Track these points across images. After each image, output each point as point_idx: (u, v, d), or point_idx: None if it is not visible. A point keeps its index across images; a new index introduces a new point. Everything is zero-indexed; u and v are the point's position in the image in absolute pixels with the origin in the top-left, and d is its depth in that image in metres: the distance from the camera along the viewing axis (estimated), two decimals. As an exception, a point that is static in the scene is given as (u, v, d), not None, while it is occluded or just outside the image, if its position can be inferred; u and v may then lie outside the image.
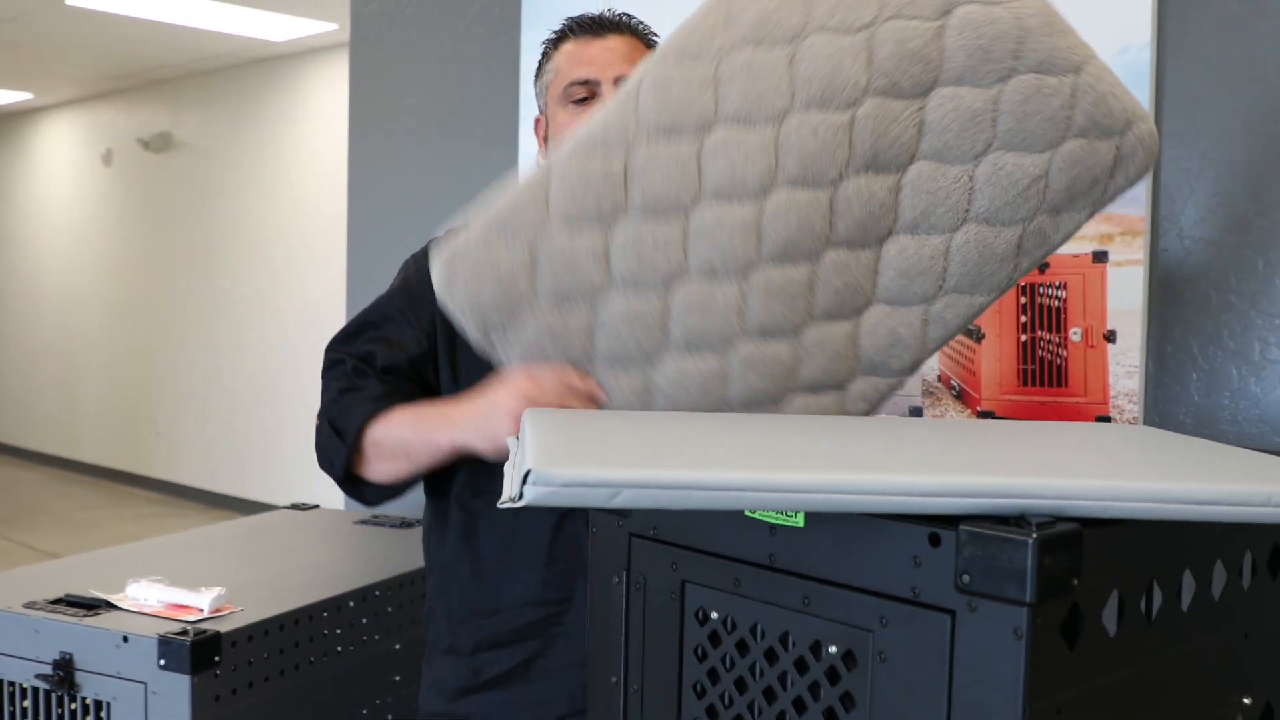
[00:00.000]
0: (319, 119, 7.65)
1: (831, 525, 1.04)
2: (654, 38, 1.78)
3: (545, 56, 1.77)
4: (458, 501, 1.73)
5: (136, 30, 7.04)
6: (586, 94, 1.69)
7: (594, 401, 1.42)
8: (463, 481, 1.71)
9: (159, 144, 8.94)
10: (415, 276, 1.73)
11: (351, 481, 1.67)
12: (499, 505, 0.98)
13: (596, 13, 1.76)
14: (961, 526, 0.94)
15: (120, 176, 9.50)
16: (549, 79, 1.76)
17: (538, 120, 1.80)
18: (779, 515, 1.08)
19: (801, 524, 1.06)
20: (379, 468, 1.62)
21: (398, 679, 2.33)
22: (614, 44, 1.71)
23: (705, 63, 1.37)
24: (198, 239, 8.69)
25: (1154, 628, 1.06)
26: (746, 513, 1.10)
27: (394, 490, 1.66)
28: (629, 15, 1.76)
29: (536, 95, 1.81)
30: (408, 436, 1.58)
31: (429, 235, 3.16)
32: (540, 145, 1.81)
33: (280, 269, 7.97)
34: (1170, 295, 2.04)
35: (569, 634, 1.68)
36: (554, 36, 1.77)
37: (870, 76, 1.38)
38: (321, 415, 1.70)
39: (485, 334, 1.42)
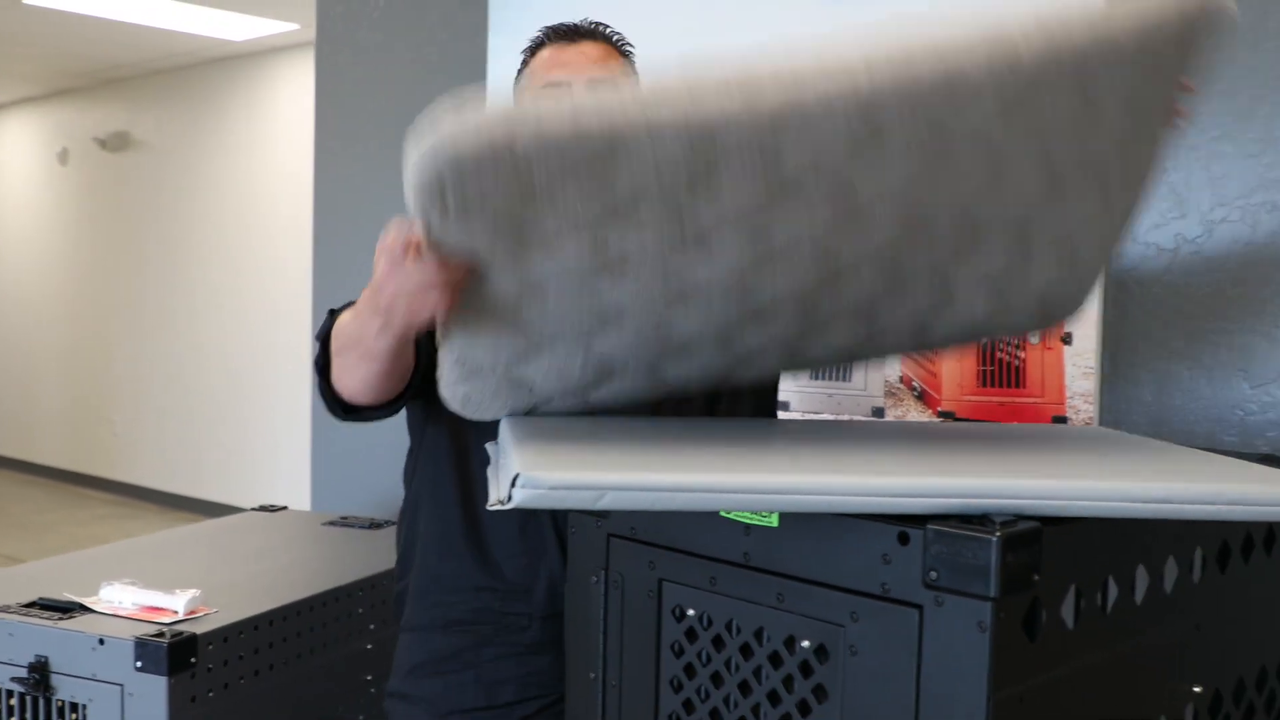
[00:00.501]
0: (279, 119, 7.63)
1: (804, 525, 1.08)
2: (628, 47, 1.82)
3: (524, 63, 1.82)
4: (439, 482, 1.77)
5: (94, 29, 6.99)
6: None
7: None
8: (442, 464, 1.75)
9: (116, 143, 8.87)
10: None
11: (341, 405, 1.64)
12: (488, 508, 1.02)
13: (573, 22, 1.80)
14: (929, 525, 0.98)
15: (77, 176, 9.42)
16: (525, 84, 1.80)
17: None
18: (754, 516, 1.12)
19: (775, 524, 1.10)
20: (347, 372, 1.56)
21: (369, 678, 2.36)
22: (587, 49, 1.76)
23: None
24: (156, 239, 8.64)
25: (1109, 621, 1.11)
26: (722, 513, 1.14)
27: (381, 407, 1.63)
28: (604, 24, 1.81)
29: (513, 98, 1.84)
30: (352, 325, 1.52)
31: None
32: None
33: (241, 269, 7.94)
34: (1125, 299, 2.10)
35: (524, 624, 1.72)
36: (532, 44, 1.81)
37: None
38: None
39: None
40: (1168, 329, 2.06)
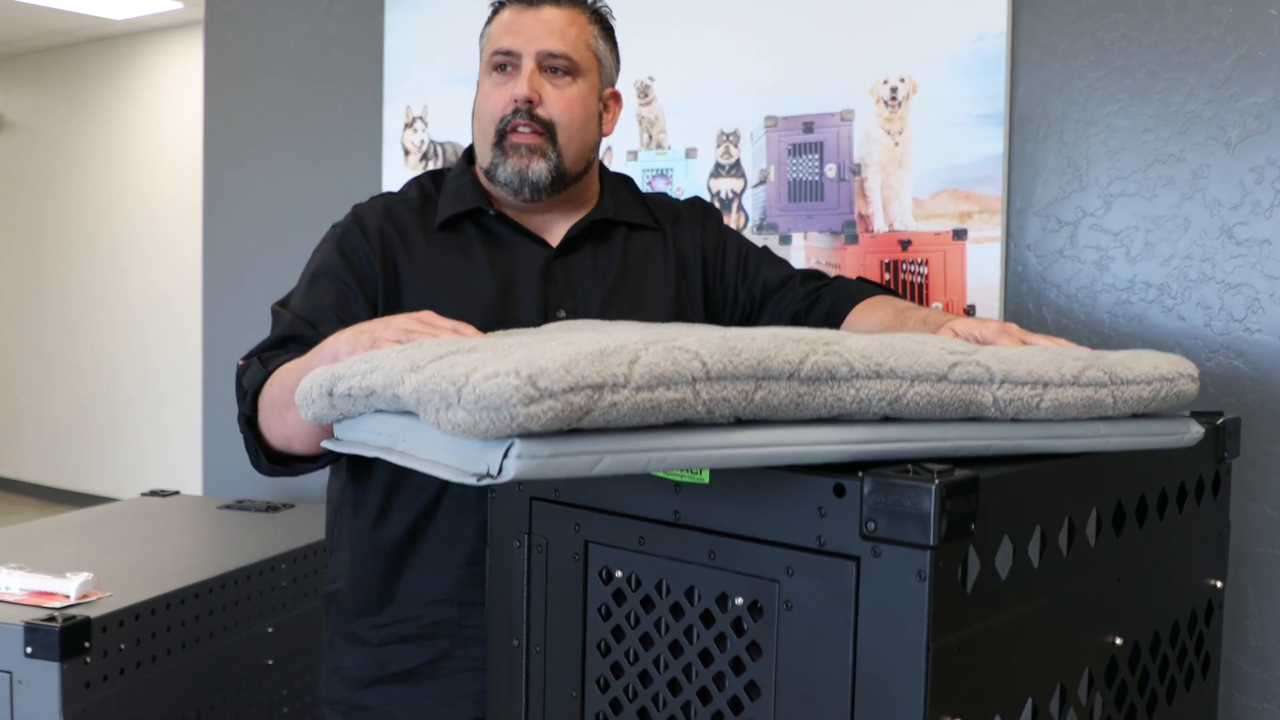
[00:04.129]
0: (163, 101, 7.41)
1: (737, 480, 1.07)
2: (602, 8, 1.75)
3: (487, 22, 1.74)
4: (376, 486, 1.67)
5: (-37, 6, 6.73)
6: (506, 63, 1.68)
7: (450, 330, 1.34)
8: (384, 467, 1.64)
9: (-12, 126, 8.55)
10: (348, 242, 1.67)
11: (270, 455, 1.56)
12: (458, 481, 0.96)
13: None
14: (867, 474, 0.97)
15: (-55, 159, 9.06)
16: (484, 45, 1.73)
17: (479, 84, 1.77)
18: (685, 473, 1.10)
19: (707, 480, 1.09)
20: (285, 422, 1.49)
21: (270, 663, 2.29)
22: (547, 16, 1.68)
23: None
24: (32, 225, 8.34)
25: (1039, 572, 1.11)
26: (651, 471, 1.12)
27: (321, 456, 1.54)
28: None
29: (479, 58, 1.77)
30: (289, 381, 1.45)
31: (289, 221, 3.12)
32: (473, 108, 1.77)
33: (125, 256, 7.70)
34: (1025, 271, 2.13)
35: (480, 636, 1.61)
36: (493, 3, 1.73)
37: None
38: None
39: None
40: (1069, 300, 2.09)
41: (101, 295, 7.89)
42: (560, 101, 1.67)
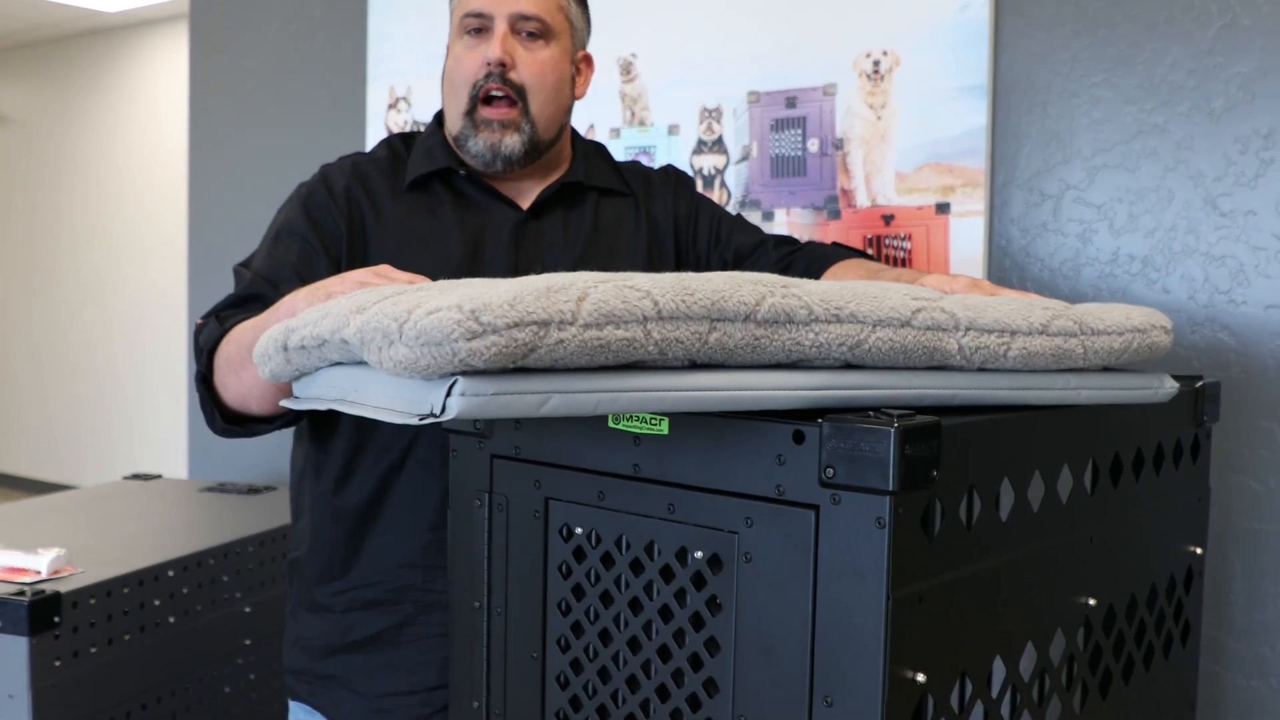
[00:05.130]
0: (155, 94, 7.40)
1: (696, 430, 1.04)
2: None
3: None
4: (338, 450, 1.64)
5: (-45, -1, 6.71)
6: (478, 26, 1.65)
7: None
8: (346, 429, 1.62)
9: (-20, 120, 8.54)
10: (313, 201, 1.65)
11: (225, 414, 1.53)
12: (402, 422, 0.94)
13: None
14: (824, 420, 0.95)
15: (-61, 154, 9.04)
16: (453, 5, 1.70)
17: (448, 48, 1.74)
18: (643, 424, 1.08)
19: (666, 431, 1.06)
20: (240, 380, 1.46)
21: (248, 643, 2.27)
22: None
23: None
24: (24, 219, 8.33)
25: (1007, 525, 1.09)
26: (610, 423, 1.10)
27: (276, 417, 1.52)
28: None
29: (449, 20, 1.73)
30: (246, 340, 1.42)
31: (274, 203, 3.09)
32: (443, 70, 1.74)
33: (119, 247, 7.68)
34: (1008, 244, 2.11)
35: (444, 602, 1.58)
36: None
37: None
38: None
39: None
40: (1053, 274, 2.07)
41: (95, 288, 7.87)
42: (533, 65, 1.65)
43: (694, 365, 0.99)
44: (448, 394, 0.89)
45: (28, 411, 8.43)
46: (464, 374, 0.89)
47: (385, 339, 0.91)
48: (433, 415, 0.90)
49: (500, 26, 1.64)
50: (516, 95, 1.64)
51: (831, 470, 0.94)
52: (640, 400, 0.95)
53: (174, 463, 6.97)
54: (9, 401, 8.55)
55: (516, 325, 0.88)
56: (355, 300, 1.03)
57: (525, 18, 1.64)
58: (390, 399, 0.97)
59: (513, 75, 1.63)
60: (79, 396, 8.03)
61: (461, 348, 0.87)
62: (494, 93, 1.63)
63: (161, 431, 7.36)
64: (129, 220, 7.63)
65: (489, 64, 1.63)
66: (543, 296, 0.90)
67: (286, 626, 1.71)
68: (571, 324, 0.90)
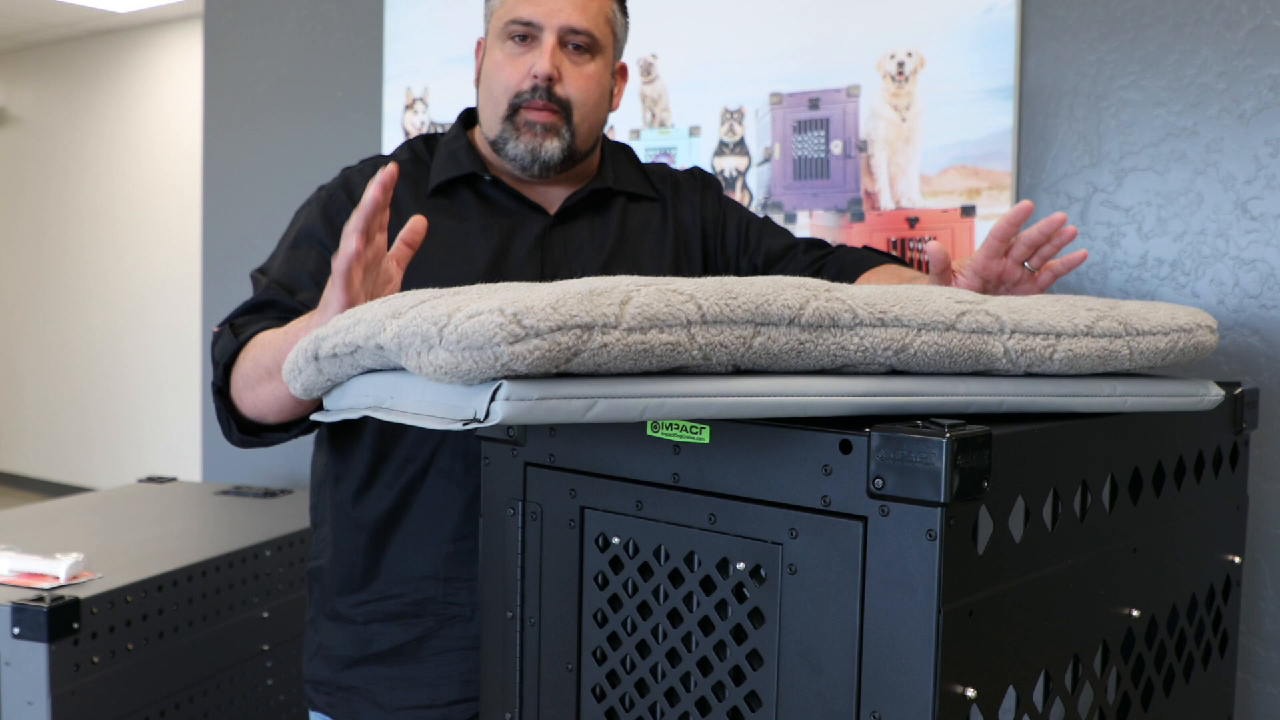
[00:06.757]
0: (166, 95, 7.38)
1: (738, 439, 1.02)
2: None
3: None
4: (360, 458, 1.62)
5: (-35, -1, 6.71)
6: (523, 34, 1.61)
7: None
8: (369, 438, 1.60)
9: (-9, 120, 8.53)
10: (333, 205, 1.62)
11: (242, 425, 1.52)
12: (444, 428, 0.91)
13: None
14: (874, 430, 0.93)
15: (-52, 155, 9.03)
16: (494, 7, 1.66)
17: (479, 44, 1.72)
18: (684, 432, 1.06)
19: (707, 440, 1.04)
20: (258, 394, 1.45)
21: (266, 648, 2.25)
22: None
23: None
24: (35, 219, 8.31)
25: (1054, 536, 1.07)
26: (649, 432, 1.08)
27: (293, 425, 1.50)
28: None
29: (485, 17, 1.70)
30: (264, 358, 1.42)
31: (288, 205, 3.08)
32: (476, 70, 1.72)
33: (128, 248, 7.67)
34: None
35: (468, 615, 1.58)
36: None
37: None
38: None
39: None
40: (1080, 278, 2.05)
41: (105, 289, 7.86)
42: (579, 79, 1.62)
43: (737, 370, 0.97)
44: (491, 399, 0.87)
45: (36, 411, 8.42)
46: (506, 378, 0.88)
47: (425, 343, 0.89)
48: (476, 420, 0.88)
49: (549, 39, 1.60)
50: (560, 109, 1.61)
51: (880, 481, 0.92)
52: (686, 406, 0.93)
53: (183, 462, 6.96)
54: (17, 401, 8.54)
55: (560, 329, 0.86)
56: (390, 305, 1.01)
57: (575, 31, 1.61)
58: (428, 405, 0.95)
59: (558, 89, 1.61)
60: (87, 396, 8.01)
61: (504, 352, 0.85)
62: (536, 106, 1.61)
63: (170, 431, 7.34)
64: (138, 220, 7.62)
65: (535, 77, 1.60)
66: (586, 300, 0.88)
67: (306, 636, 1.69)
68: (615, 327, 0.88)
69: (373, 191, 1.22)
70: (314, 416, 1.20)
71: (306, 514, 2.48)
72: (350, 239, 1.22)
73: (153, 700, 1.97)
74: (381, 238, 1.29)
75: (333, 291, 1.25)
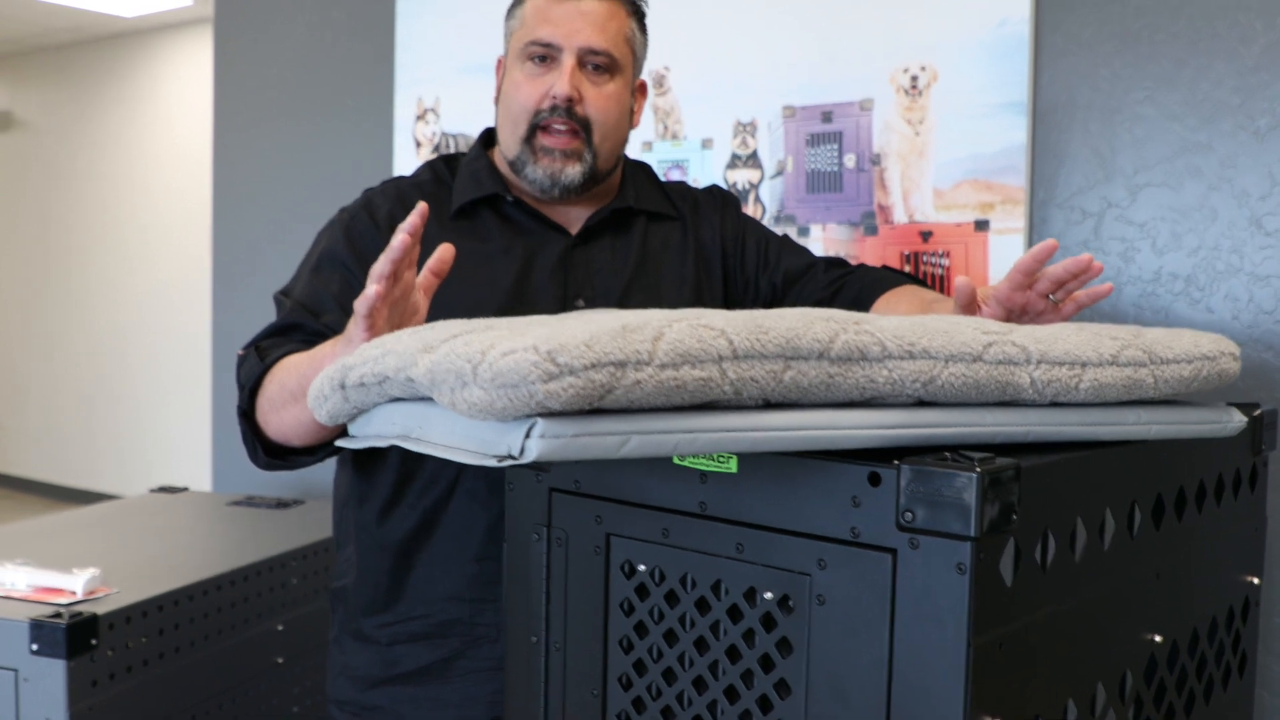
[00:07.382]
0: (172, 99, 7.39)
1: (766, 469, 1.03)
2: (641, 2, 1.70)
3: (516, 3, 1.68)
4: (384, 479, 1.62)
5: (-29, 3, 6.71)
6: (543, 54, 1.61)
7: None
8: (394, 459, 1.60)
9: (-3, 124, 8.54)
10: (355, 227, 1.63)
11: (267, 449, 1.53)
12: (478, 464, 0.92)
13: None
14: (904, 462, 0.93)
15: (-45, 159, 9.04)
16: (514, 27, 1.66)
17: (500, 62, 1.72)
18: (711, 462, 1.06)
19: (734, 469, 1.05)
20: (283, 418, 1.46)
21: (281, 661, 2.26)
22: (588, 7, 1.61)
23: None
24: (40, 223, 8.32)
25: (1080, 566, 1.07)
26: (676, 460, 1.08)
27: (320, 448, 1.51)
28: None
29: (505, 36, 1.70)
30: (289, 382, 1.43)
31: (299, 214, 3.08)
32: (497, 89, 1.72)
33: (134, 254, 7.67)
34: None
35: (494, 636, 1.58)
36: None
37: None
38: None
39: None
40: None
41: (110, 293, 7.87)
42: (599, 100, 1.62)
43: (768, 404, 0.97)
44: (526, 436, 0.88)
45: (41, 415, 8.43)
46: (540, 415, 0.88)
47: (459, 380, 0.90)
48: (510, 458, 0.88)
49: (569, 60, 1.60)
50: (580, 128, 1.62)
51: (910, 514, 0.93)
52: (718, 440, 0.94)
53: (188, 468, 6.96)
54: (22, 405, 8.55)
55: (594, 366, 0.86)
56: (420, 338, 1.01)
57: (594, 52, 1.61)
58: (459, 438, 0.96)
59: (578, 110, 1.61)
60: (92, 400, 8.02)
61: (539, 390, 0.85)
62: (557, 126, 1.61)
63: (175, 435, 7.35)
64: (143, 226, 7.62)
65: (555, 98, 1.60)
66: (619, 337, 0.89)
67: (330, 655, 1.70)
68: (648, 364, 0.89)
69: (402, 236, 1.22)
70: (339, 443, 1.20)
71: (320, 525, 2.49)
72: (376, 283, 1.22)
73: (170, 715, 1.97)
74: (410, 274, 1.29)
75: (355, 329, 1.25)
